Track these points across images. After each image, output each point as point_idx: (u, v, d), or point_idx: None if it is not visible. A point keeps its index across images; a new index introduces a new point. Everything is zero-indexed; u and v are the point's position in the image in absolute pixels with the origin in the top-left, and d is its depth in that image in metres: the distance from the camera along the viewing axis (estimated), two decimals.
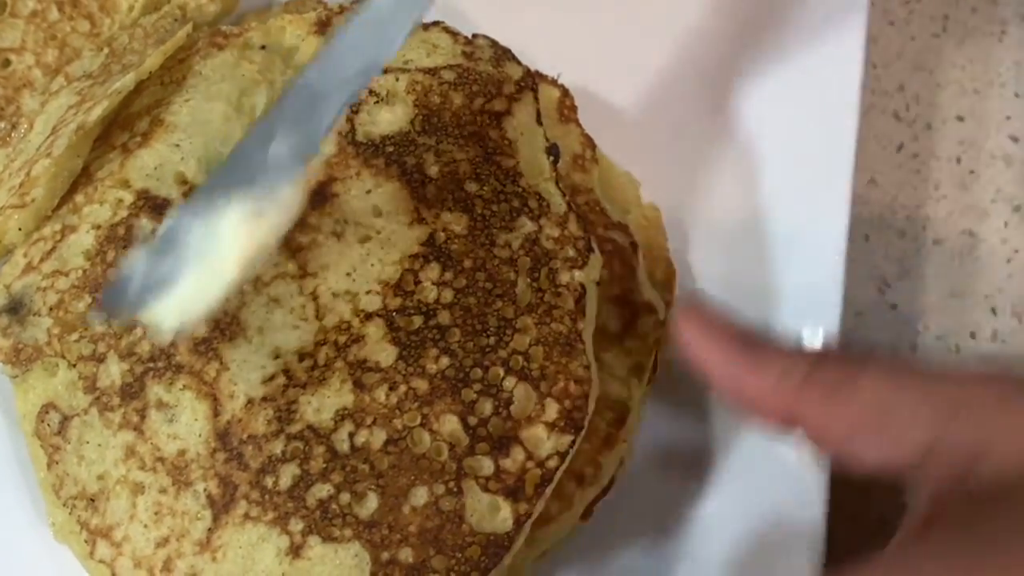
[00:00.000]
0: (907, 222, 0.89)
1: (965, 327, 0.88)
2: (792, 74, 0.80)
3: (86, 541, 0.66)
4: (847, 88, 0.79)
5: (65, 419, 0.67)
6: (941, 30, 0.92)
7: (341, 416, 0.64)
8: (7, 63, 0.76)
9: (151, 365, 0.66)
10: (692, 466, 0.75)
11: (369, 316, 0.65)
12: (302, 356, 0.65)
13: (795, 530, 0.72)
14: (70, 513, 0.67)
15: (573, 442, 0.65)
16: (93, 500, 0.66)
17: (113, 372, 0.66)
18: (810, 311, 0.77)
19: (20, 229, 0.70)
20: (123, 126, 0.72)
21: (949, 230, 0.89)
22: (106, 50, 0.76)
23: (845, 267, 0.77)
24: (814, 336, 0.76)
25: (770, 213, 0.79)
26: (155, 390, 0.66)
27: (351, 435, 0.63)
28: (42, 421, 0.67)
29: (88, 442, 0.67)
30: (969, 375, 0.59)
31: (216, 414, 0.65)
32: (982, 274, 0.88)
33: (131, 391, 0.66)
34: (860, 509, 0.84)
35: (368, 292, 0.65)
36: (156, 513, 0.65)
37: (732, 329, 0.62)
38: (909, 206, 0.89)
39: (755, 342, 0.61)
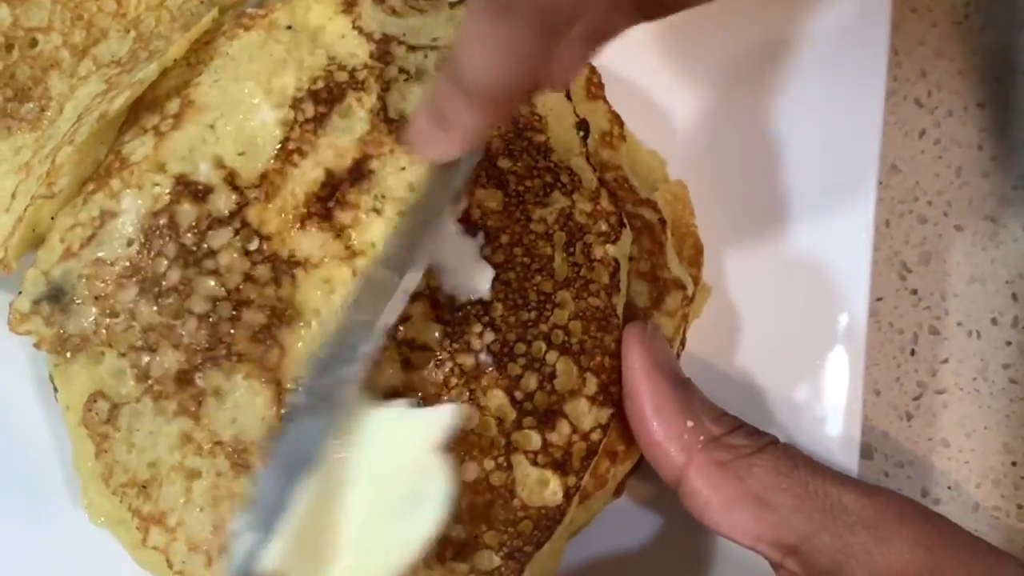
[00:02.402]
0: (929, 208, 0.90)
1: (986, 313, 0.88)
2: (818, 60, 0.81)
3: (137, 528, 0.66)
4: (873, 74, 0.80)
5: (114, 407, 0.66)
6: (963, 17, 0.92)
7: (392, 395, 0.64)
8: (34, 43, 0.75)
9: (209, 354, 0.65)
10: None
11: (414, 296, 0.64)
12: None
13: None
14: (120, 501, 0.66)
15: (612, 414, 0.66)
16: (145, 487, 0.66)
17: (167, 361, 0.66)
18: (836, 295, 0.77)
19: (52, 219, 0.70)
20: (152, 108, 0.71)
21: (971, 216, 0.90)
22: (133, 33, 0.75)
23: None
24: (840, 321, 0.77)
25: (797, 194, 0.79)
26: (213, 378, 0.65)
27: None
28: (89, 410, 0.67)
29: (139, 430, 0.66)
30: (859, 486, 0.63)
31: (279, 397, 0.64)
32: (1004, 260, 0.89)
33: (186, 379, 0.65)
34: None
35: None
36: (213, 497, 0.64)
37: (672, 369, 0.66)
38: (931, 192, 0.90)
39: (687, 388, 0.66)
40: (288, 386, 0.65)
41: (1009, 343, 0.88)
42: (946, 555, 0.60)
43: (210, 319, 0.65)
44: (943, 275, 0.89)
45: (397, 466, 0.60)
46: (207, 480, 0.65)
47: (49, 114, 0.74)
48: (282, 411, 0.64)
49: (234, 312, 0.65)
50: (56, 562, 0.73)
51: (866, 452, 0.85)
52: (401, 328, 0.65)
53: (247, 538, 0.57)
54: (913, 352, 0.88)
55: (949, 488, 0.86)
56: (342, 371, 0.60)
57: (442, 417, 0.60)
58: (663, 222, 0.74)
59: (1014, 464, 0.86)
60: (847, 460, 0.75)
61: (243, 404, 0.65)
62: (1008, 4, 0.92)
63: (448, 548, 0.62)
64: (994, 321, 0.88)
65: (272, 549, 0.57)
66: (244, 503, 0.62)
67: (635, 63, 0.81)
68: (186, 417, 0.65)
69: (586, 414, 0.65)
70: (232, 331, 0.65)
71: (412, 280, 0.61)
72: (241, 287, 0.66)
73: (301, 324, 0.66)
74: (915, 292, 0.88)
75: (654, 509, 0.75)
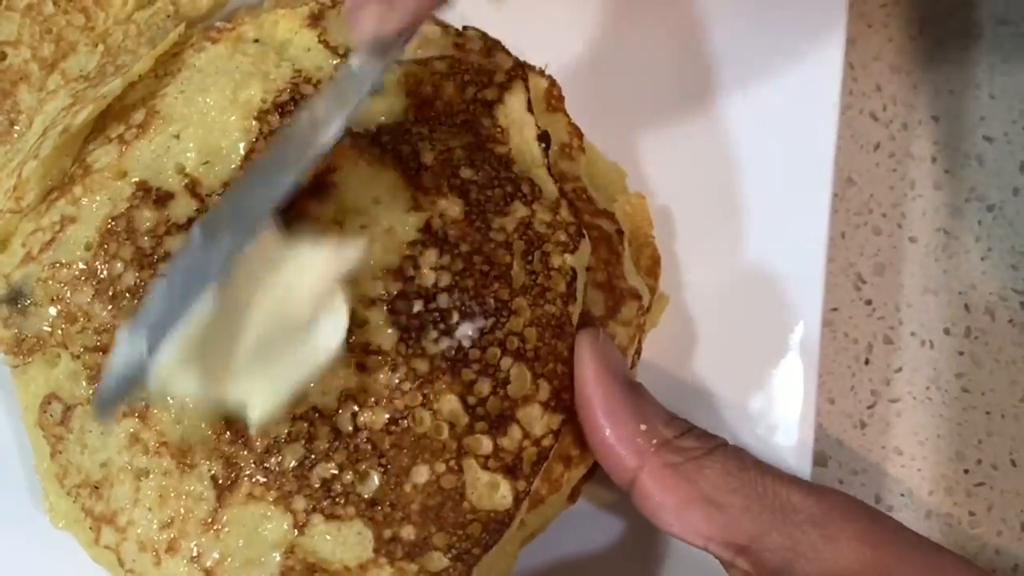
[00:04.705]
0: (883, 220, 0.91)
1: (939, 323, 0.90)
2: (774, 73, 0.82)
3: (91, 528, 0.67)
4: (828, 88, 0.81)
5: (67, 409, 0.68)
6: (918, 32, 0.93)
7: (345, 397, 0.65)
8: (3, 56, 0.76)
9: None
10: None
11: (372, 302, 0.66)
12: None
13: None
14: (74, 501, 0.67)
15: (563, 420, 0.67)
16: (97, 487, 0.67)
17: None
18: (791, 305, 0.78)
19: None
20: (118, 118, 0.72)
21: (924, 228, 0.91)
22: (101, 47, 0.76)
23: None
24: (795, 331, 0.78)
25: (753, 206, 0.80)
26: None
27: (354, 415, 0.64)
28: (44, 412, 0.68)
29: (91, 431, 0.67)
30: (807, 486, 0.64)
31: None
32: (956, 272, 0.90)
33: None
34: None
35: (371, 278, 0.66)
36: (160, 496, 0.65)
37: (623, 374, 0.67)
38: (885, 204, 0.91)
39: (638, 392, 0.67)
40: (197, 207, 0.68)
41: (961, 353, 0.89)
42: (891, 552, 0.61)
43: None
44: (897, 286, 0.90)
45: (298, 294, 0.62)
46: (154, 480, 0.65)
47: (18, 128, 0.75)
48: (193, 227, 0.65)
49: None
50: (20, 566, 0.74)
51: (820, 460, 0.87)
52: (355, 332, 0.66)
53: (139, 344, 0.59)
54: (867, 361, 0.89)
55: (902, 495, 0.87)
56: (257, 199, 0.62)
57: (346, 252, 0.63)
58: (620, 233, 0.75)
59: (966, 472, 0.87)
60: (801, 467, 0.76)
61: (187, 405, 0.65)
62: (963, 20, 0.94)
63: (398, 548, 0.63)
64: (947, 331, 0.89)
65: (160, 359, 0.59)
66: (136, 313, 0.62)
67: (595, 76, 0.82)
68: (134, 418, 0.66)
69: (538, 420, 0.66)
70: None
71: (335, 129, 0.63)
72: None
73: None
74: (869, 302, 0.90)
75: (609, 514, 0.76)
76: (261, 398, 0.62)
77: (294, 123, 0.64)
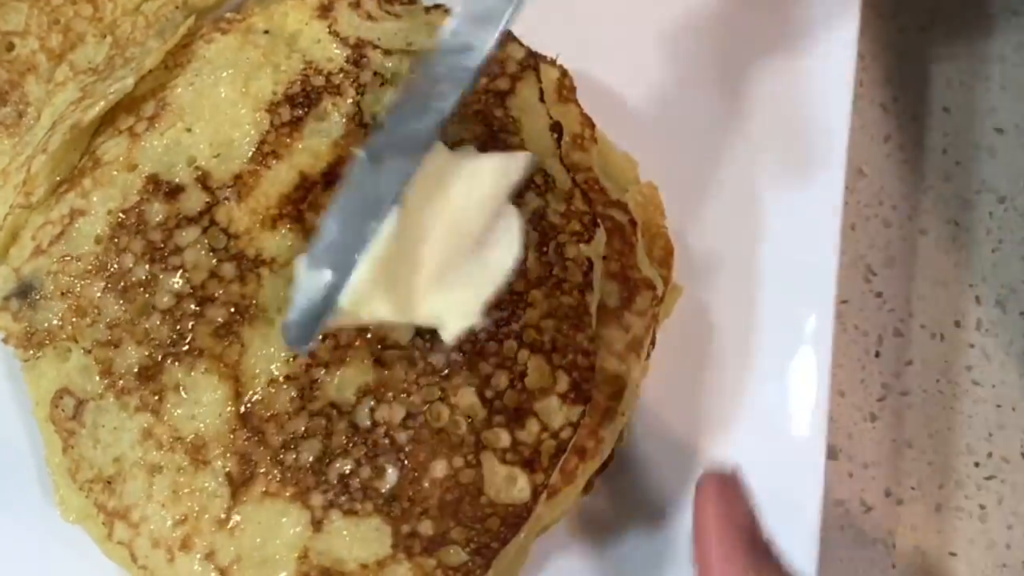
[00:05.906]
0: (893, 212, 0.91)
1: (950, 316, 0.89)
2: (786, 64, 0.82)
3: (104, 523, 0.67)
4: (840, 79, 0.81)
5: (80, 403, 0.67)
6: (929, 23, 0.93)
7: (362, 392, 0.64)
8: (11, 47, 0.76)
9: (171, 349, 0.66)
10: (691, 442, 0.76)
11: None
12: (324, 336, 0.65)
13: (791, 508, 0.73)
14: (87, 496, 0.67)
15: (583, 412, 0.67)
16: (110, 482, 0.66)
17: (130, 356, 0.66)
18: (803, 297, 0.78)
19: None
20: (128, 109, 0.72)
21: (935, 220, 0.91)
22: (109, 38, 0.76)
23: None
24: (807, 322, 0.78)
25: (764, 197, 0.80)
26: (174, 373, 0.66)
27: (372, 410, 0.64)
28: (56, 406, 0.68)
29: (103, 426, 0.67)
30: None
31: (238, 394, 0.65)
32: (967, 264, 0.90)
33: (148, 374, 0.66)
34: (846, 494, 0.86)
35: None
36: (174, 492, 0.65)
37: (746, 522, 0.59)
38: (895, 196, 0.91)
39: (760, 548, 0.58)
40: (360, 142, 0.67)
41: (972, 345, 0.89)
42: None
43: (173, 314, 0.66)
44: (907, 278, 0.90)
45: (471, 211, 0.62)
46: (168, 476, 0.65)
47: (27, 119, 0.74)
48: (358, 153, 0.63)
49: (197, 308, 0.66)
50: (31, 559, 0.73)
51: (831, 453, 0.86)
52: (371, 327, 0.65)
53: (322, 275, 0.59)
54: (878, 354, 0.89)
55: (913, 488, 0.87)
56: (420, 120, 0.61)
57: (517, 162, 0.62)
58: (633, 223, 0.74)
59: (976, 465, 0.87)
60: (813, 461, 0.76)
61: (202, 400, 0.66)
62: (974, 11, 0.93)
63: (416, 543, 0.63)
64: (957, 324, 0.89)
65: (349, 286, 0.59)
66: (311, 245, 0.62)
67: (607, 66, 0.81)
68: (147, 413, 0.66)
69: (556, 412, 0.65)
70: (194, 326, 0.66)
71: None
72: (206, 284, 0.67)
73: (263, 321, 0.66)
74: (880, 295, 0.89)
75: (623, 507, 0.76)
76: (453, 316, 0.61)
77: (441, 47, 0.63)
